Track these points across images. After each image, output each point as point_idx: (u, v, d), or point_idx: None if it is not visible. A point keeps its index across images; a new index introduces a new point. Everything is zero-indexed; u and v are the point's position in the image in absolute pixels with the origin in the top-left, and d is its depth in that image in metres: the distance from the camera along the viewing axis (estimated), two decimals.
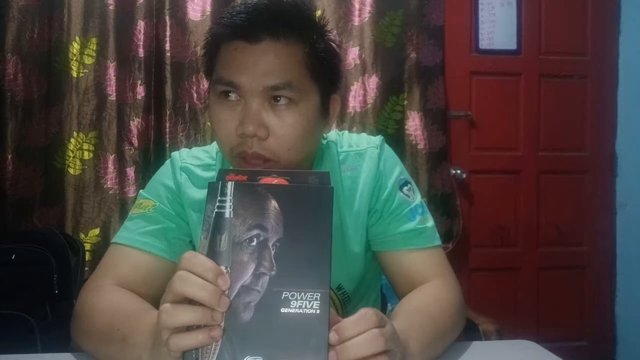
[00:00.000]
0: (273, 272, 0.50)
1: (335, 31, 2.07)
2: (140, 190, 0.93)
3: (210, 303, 0.50)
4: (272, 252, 0.51)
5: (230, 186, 0.53)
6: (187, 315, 0.51)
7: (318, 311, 0.49)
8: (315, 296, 0.49)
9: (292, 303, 0.49)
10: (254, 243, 0.51)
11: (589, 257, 2.37)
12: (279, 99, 0.77)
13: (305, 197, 0.53)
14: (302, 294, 0.49)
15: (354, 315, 0.55)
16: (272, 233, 0.51)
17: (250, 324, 0.49)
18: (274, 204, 0.52)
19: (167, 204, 0.89)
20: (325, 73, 0.82)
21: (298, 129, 0.78)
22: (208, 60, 0.84)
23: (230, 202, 0.52)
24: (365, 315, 0.55)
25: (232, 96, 0.78)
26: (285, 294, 0.49)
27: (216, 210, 0.52)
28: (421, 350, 0.66)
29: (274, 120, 0.77)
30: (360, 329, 0.54)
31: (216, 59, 0.81)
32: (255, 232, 0.51)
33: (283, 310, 0.49)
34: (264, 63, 0.77)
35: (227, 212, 0.52)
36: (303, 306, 0.49)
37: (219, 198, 0.53)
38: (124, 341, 0.65)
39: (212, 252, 0.52)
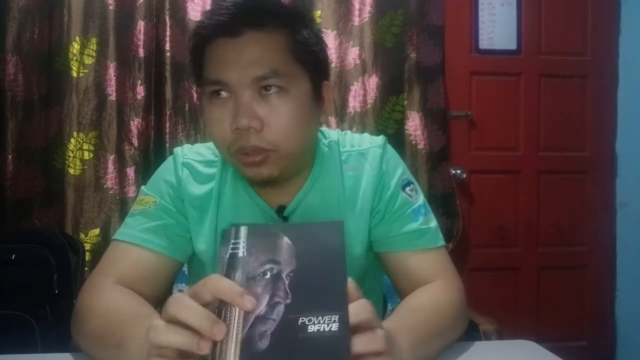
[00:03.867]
0: (288, 301, 0.50)
1: (335, 31, 2.07)
2: (142, 186, 0.93)
3: (200, 328, 0.48)
4: (286, 282, 0.51)
5: (243, 230, 0.54)
6: (174, 337, 0.49)
7: (337, 332, 0.48)
8: (333, 318, 0.48)
9: (309, 327, 0.48)
10: (268, 276, 0.51)
11: (589, 257, 2.36)
12: (268, 88, 0.76)
13: (316, 231, 0.54)
14: (320, 317, 0.48)
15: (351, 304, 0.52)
16: (285, 265, 0.51)
17: (266, 352, 0.47)
18: (286, 240, 0.53)
19: (168, 199, 0.88)
20: (311, 59, 0.81)
21: (292, 116, 0.77)
22: (196, 65, 0.83)
23: (244, 243, 0.53)
24: (365, 305, 0.53)
25: (223, 94, 0.78)
26: (302, 319, 0.48)
27: (230, 251, 0.53)
28: (411, 346, 0.64)
29: (266, 110, 0.76)
30: (359, 318, 0.51)
31: (203, 62, 0.81)
32: (268, 266, 0.52)
33: (301, 335, 0.48)
34: (247, 55, 0.76)
35: (241, 252, 0.53)
36: (321, 329, 0.48)
37: (232, 241, 0.53)
38: (119, 346, 0.65)
39: None
